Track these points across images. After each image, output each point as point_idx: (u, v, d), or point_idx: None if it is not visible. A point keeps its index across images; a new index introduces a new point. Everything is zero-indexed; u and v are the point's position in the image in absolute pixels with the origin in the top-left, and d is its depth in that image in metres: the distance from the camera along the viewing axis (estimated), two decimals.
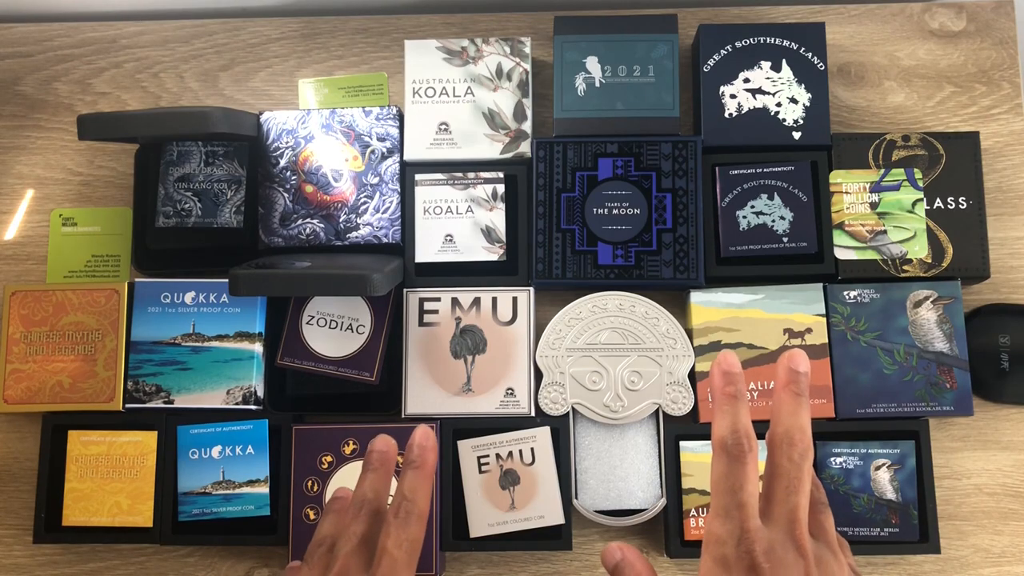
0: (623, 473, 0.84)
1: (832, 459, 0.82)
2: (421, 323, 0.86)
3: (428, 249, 0.87)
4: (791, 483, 0.41)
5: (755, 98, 0.88)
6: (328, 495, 0.83)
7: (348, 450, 0.83)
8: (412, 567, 0.46)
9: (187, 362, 0.85)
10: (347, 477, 0.83)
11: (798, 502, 0.41)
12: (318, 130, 0.89)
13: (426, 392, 0.84)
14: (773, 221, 0.86)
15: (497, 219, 0.87)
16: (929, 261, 0.85)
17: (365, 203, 0.87)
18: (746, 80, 0.88)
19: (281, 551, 0.86)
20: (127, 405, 0.85)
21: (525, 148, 0.87)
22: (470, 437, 0.84)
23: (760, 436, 0.83)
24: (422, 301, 0.86)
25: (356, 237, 0.87)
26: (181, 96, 0.96)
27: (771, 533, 0.40)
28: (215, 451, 0.84)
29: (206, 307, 0.86)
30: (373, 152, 0.88)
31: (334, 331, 0.86)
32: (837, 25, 0.94)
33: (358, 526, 0.48)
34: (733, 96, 0.88)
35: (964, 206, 0.86)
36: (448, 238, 0.87)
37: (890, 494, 0.82)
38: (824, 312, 0.84)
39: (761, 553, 0.39)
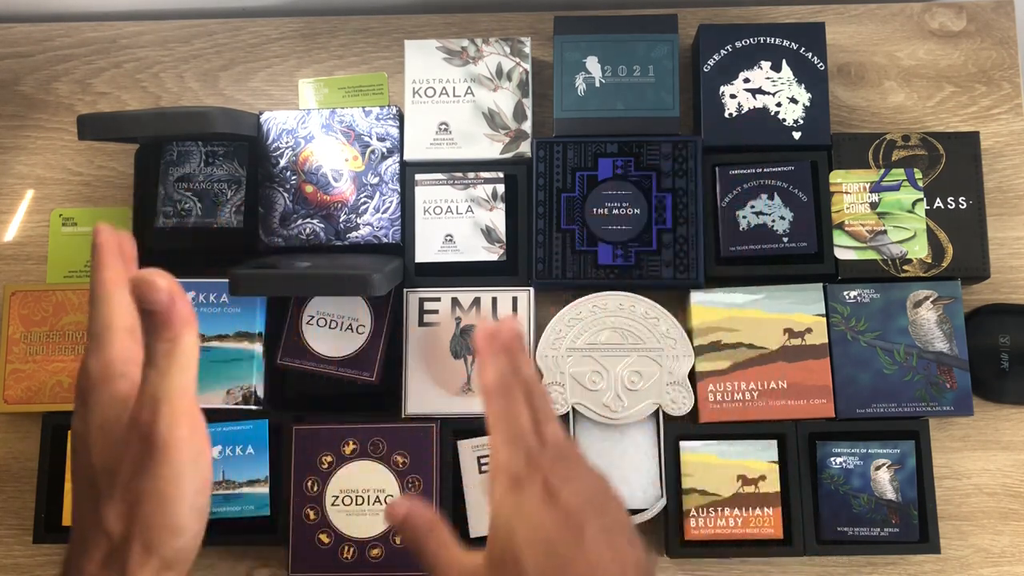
0: (623, 473, 0.84)
1: (832, 459, 0.82)
2: (421, 323, 0.86)
3: (428, 249, 0.87)
4: (545, 412, 0.45)
5: (755, 98, 0.88)
6: (328, 495, 0.83)
7: (348, 450, 0.83)
8: None
9: None
10: (347, 477, 0.83)
11: (556, 425, 0.45)
12: (318, 130, 0.89)
13: (426, 392, 0.84)
14: (773, 221, 0.86)
15: (497, 219, 0.87)
16: (929, 261, 0.85)
17: (365, 203, 0.87)
18: (746, 80, 0.88)
19: (281, 551, 0.86)
20: None
21: (525, 148, 0.87)
22: (470, 437, 0.84)
23: (761, 436, 0.84)
24: (422, 301, 0.86)
25: (356, 237, 0.87)
26: (181, 96, 0.96)
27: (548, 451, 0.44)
28: (215, 451, 0.84)
29: (206, 307, 0.86)
30: (373, 152, 0.88)
31: (334, 331, 0.86)
32: (837, 25, 0.94)
33: None
34: (733, 96, 0.88)
35: (964, 206, 0.86)
36: (448, 238, 0.87)
37: (890, 494, 0.82)
38: (824, 312, 0.84)
39: (548, 468, 0.42)
